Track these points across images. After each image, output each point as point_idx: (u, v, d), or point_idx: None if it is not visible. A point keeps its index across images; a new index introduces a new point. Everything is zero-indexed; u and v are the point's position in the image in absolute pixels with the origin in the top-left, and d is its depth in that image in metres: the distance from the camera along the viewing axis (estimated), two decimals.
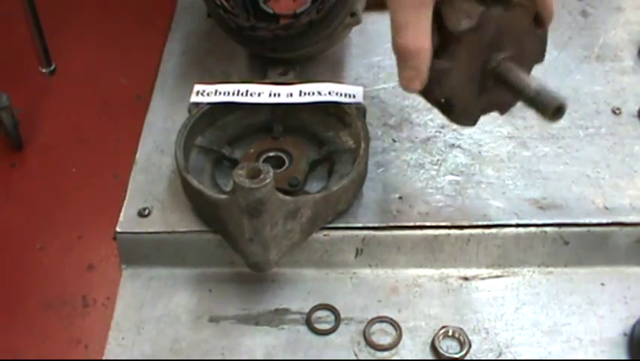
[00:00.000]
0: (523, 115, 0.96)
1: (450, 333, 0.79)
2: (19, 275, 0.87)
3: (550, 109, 0.70)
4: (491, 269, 0.85)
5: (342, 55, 1.01)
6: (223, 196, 0.77)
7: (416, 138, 0.93)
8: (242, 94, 0.88)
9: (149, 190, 0.88)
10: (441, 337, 0.78)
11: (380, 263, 0.85)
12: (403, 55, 0.72)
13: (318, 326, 0.80)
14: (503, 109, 0.80)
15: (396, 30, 0.71)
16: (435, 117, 0.94)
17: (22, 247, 0.90)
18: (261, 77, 0.95)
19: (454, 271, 0.85)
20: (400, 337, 0.79)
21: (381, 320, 0.80)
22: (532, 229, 0.84)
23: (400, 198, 0.87)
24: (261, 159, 0.86)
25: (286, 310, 0.82)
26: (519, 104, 0.97)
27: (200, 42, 1.08)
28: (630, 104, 0.98)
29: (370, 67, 1.02)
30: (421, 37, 0.71)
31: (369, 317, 0.80)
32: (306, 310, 0.81)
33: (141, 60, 1.08)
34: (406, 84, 0.73)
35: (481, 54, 0.73)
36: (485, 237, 0.84)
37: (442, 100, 0.76)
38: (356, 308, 0.82)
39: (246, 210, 0.73)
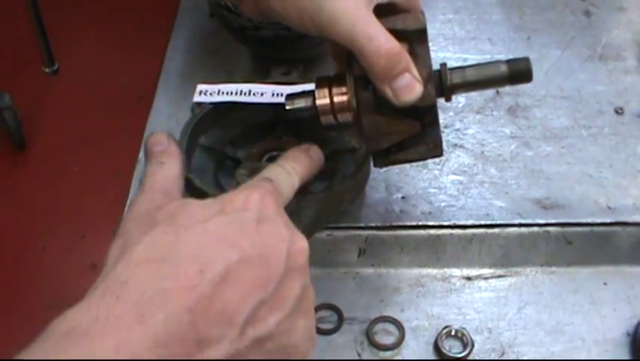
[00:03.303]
0: (525, 115, 0.96)
1: (453, 333, 0.79)
2: (21, 275, 0.88)
3: (529, 71, 0.71)
4: (494, 269, 0.85)
5: None
6: None
7: None
8: (245, 94, 0.87)
9: None
10: (444, 336, 0.78)
11: (383, 263, 0.85)
12: (392, 60, 0.67)
13: (321, 326, 0.80)
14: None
15: (367, 40, 0.67)
16: None
17: (25, 246, 0.90)
18: (263, 77, 0.95)
19: (456, 271, 0.85)
20: (402, 337, 0.79)
21: (384, 319, 0.80)
22: (535, 228, 0.84)
23: (403, 197, 0.87)
24: (264, 159, 0.86)
25: None
26: (523, 106, 0.98)
27: (202, 42, 1.08)
28: (633, 104, 0.98)
29: None
30: (392, 38, 0.69)
31: (372, 317, 0.80)
32: None
33: (144, 60, 1.08)
34: (407, 92, 0.68)
35: None
36: (488, 236, 0.84)
37: (391, 147, 0.74)
38: (359, 308, 0.82)
39: None
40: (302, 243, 0.61)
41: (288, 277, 0.58)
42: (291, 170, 0.69)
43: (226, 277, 0.54)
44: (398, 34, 0.69)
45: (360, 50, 0.67)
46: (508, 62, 0.72)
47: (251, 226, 0.58)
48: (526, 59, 0.72)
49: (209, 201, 0.60)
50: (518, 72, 0.72)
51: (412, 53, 0.69)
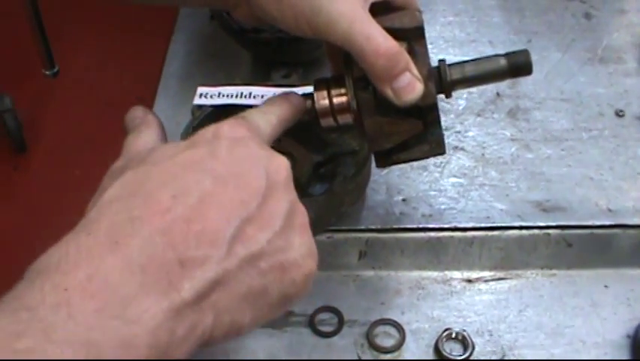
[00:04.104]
0: (526, 117, 0.96)
1: (453, 335, 0.79)
2: (20, 278, 0.87)
3: (529, 63, 0.71)
4: (494, 271, 0.85)
5: None
6: None
7: None
8: (245, 96, 0.87)
9: None
10: (444, 339, 0.78)
11: (383, 265, 0.85)
12: (391, 59, 0.67)
13: (322, 328, 0.80)
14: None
15: (366, 40, 0.66)
16: None
17: (25, 249, 0.90)
18: (264, 80, 0.95)
19: (457, 274, 0.85)
20: (403, 339, 0.79)
21: (384, 322, 0.80)
22: (536, 231, 0.84)
23: (404, 200, 0.87)
24: None
25: (289, 313, 0.81)
26: (523, 108, 0.97)
27: (203, 45, 1.08)
28: (634, 107, 0.98)
29: None
30: (390, 38, 0.68)
31: (373, 319, 0.80)
32: (310, 312, 0.81)
33: (144, 63, 1.08)
34: (408, 92, 0.68)
35: None
36: (488, 239, 0.84)
37: (392, 146, 0.73)
38: (359, 310, 0.82)
39: None
40: (280, 159, 0.59)
41: (271, 195, 0.56)
42: (266, 110, 0.67)
43: (202, 199, 0.53)
44: (396, 33, 0.68)
45: (359, 50, 0.67)
46: (507, 55, 0.72)
47: (222, 151, 0.56)
48: (525, 51, 0.71)
49: (181, 141, 0.60)
50: (518, 65, 0.71)
51: (410, 51, 0.69)
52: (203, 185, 0.54)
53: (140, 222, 0.51)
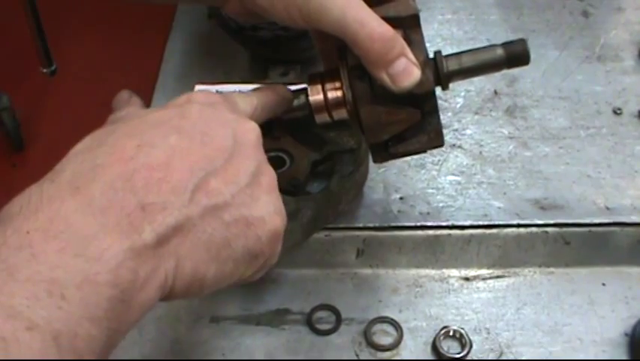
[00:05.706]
0: (524, 115, 0.96)
1: (451, 333, 0.79)
2: None
3: (527, 53, 0.70)
4: (492, 269, 0.85)
5: None
6: None
7: None
8: None
9: None
10: (442, 337, 0.78)
11: (381, 263, 0.85)
12: (386, 44, 0.66)
13: (319, 327, 0.80)
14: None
15: (360, 25, 0.65)
16: None
17: None
18: (261, 78, 0.95)
19: (455, 272, 0.85)
20: (400, 337, 0.79)
21: (382, 320, 0.80)
22: (534, 229, 0.84)
23: (401, 198, 0.87)
24: None
25: (287, 311, 0.82)
26: (521, 106, 0.97)
27: (201, 42, 1.08)
28: (631, 105, 0.98)
29: None
30: (385, 23, 0.67)
31: (370, 318, 0.80)
32: (307, 310, 0.81)
33: (142, 61, 1.08)
34: (405, 77, 0.66)
35: None
36: (486, 237, 0.84)
37: (388, 137, 0.72)
38: (357, 308, 0.82)
39: None
40: (250, 124, 0.60)
41: (237, 154, 0.57)
42: (248, 93, 0.68)
43: (167, 151, 0.54)
44: (391, 22, 0.67)
45: (353, 36, 0.66)
46: (505, 45, 0.71)
47: (192, 112, 0.58)
48: (522, 41, 0.70)
49: None
50: (515, 55, 0.70)
51: (406, 39, 0.68)
52: (169, 139, 0.55)
53: (102, 168, 0.52)
